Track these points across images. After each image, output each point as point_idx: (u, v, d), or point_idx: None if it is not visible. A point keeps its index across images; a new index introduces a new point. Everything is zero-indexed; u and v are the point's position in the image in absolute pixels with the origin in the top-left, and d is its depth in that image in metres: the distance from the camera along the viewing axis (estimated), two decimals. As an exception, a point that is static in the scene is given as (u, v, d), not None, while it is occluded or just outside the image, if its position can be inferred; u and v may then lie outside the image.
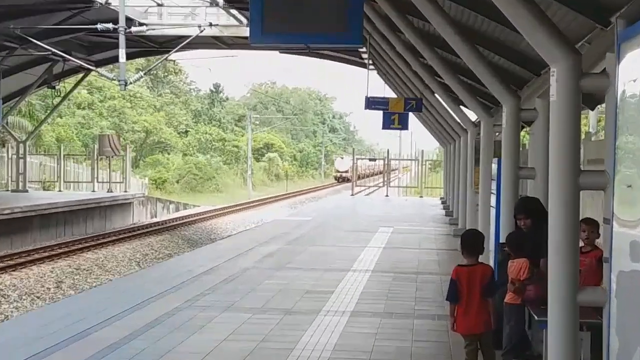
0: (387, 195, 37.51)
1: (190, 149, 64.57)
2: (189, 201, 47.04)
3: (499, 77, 8.89)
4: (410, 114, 23.18)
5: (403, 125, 22.44)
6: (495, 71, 9.13)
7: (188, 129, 70.13)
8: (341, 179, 45.51)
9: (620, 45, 4.33)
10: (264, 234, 18.64)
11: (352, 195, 38.69)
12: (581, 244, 6.17)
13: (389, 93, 30.17)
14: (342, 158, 40.05)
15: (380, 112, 21.89)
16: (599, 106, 13.80)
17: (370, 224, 21.64)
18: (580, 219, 5.46)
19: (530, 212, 6.77)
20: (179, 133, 68.62)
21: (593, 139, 14.29)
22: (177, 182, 55.79)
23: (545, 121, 7.26)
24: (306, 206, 43.63)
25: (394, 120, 21.99)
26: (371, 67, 26.03)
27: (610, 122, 4.60)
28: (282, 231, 19.37)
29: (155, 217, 37.96)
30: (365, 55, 23.53)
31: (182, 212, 40.12)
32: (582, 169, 4.94)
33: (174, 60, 53.96)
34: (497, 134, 13.32)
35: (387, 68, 23.84)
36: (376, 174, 63.45)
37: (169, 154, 62.72)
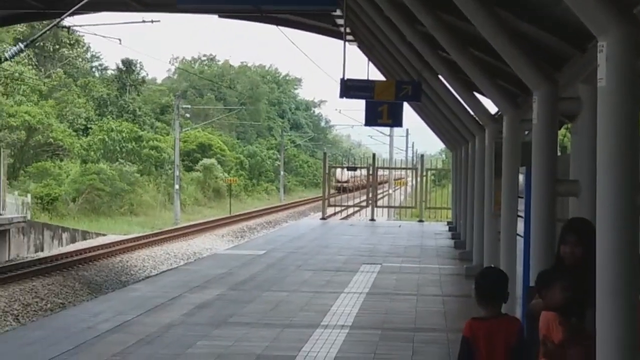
0: (372, 219, 37.58)
1: (92, 153, 64.14)
2: (90, 228, 46.68)
3: (528, 53, 8.96)
4: (405, 105, 23.27)
5: (395, 120, 22.51)
6: (523, 44, 9.20)
7: (89, 125, 69.73)
8: (342, 189, 56.43)
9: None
10: (197, 275, 18.54)
11: (323, 218, 38.71)
12: None
13: (375, 74, 30.29)
14: (341, 169, 50.53)
15: (363, 102, 21.95)
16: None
17: (348, 261, 21.65)
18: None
19: (584, 233, 6.56)
20: (75, 131, 68.16)
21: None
22: (74, 200, 55.37)
23: (593, 115, 7.32)
24: (258, 235, 43.57)
25: (382, 113, 22.06)
26: (350, 38, 26.10)
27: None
28: (224, 271, 19.28)
29: (42, 250, 37.57)
30: (341, 22, 23.59)
31: (81, 244, 39.78)
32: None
33: (69, 28, 53.60)
34: (526, 132, 13.42)
35: (372, 39, 23.93)
36: (358, 189, 63.69)
37: (61, 160, 62.25)
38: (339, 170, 57.20)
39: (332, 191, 58.53)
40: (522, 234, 9.63)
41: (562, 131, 20.35)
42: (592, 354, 5.12)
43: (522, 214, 9.79)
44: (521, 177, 10.11)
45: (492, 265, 11.50)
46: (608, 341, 4.84)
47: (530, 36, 12.85)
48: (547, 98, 8.68)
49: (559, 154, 10.65)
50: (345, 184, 61.07)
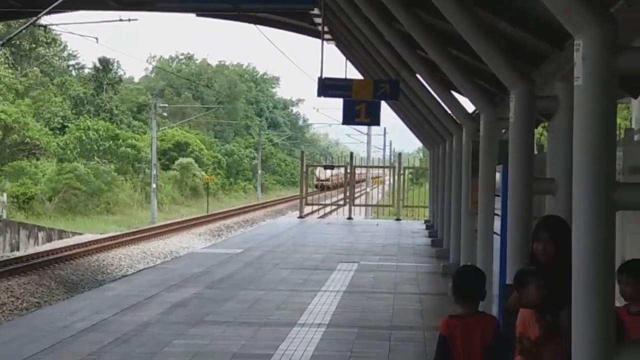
0: (350, 218, 37.59)
1: (69, 152, 63.86)
2: (66, 227, 46.48)
3: (505, 52, 8.98)
4: (383, 104, 23.29)
5: (372, 118, 22.54)
6: (501, 43, 9.22)
7: (66, 124, 69.44)
8: (322, 187, 60.47)
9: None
10: (173, 274, 18.51)
11: (300, 217, 38.70)
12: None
13: (353, 73, 30.31)
14: (323, 168, 53.30)
15: (341, 101, 21.95)
16: (643, 93, 14.02)
17: (325, 259, 21.66)
18: (622, 256, 5.49)
19: (558, 231, 6.67)
20: (52, 130, 67.86)
21: (636, 138, 14.50)
22: (50, 199, 55.13)
23: (570, 114, 7.35)
24: (235, 234, 43.51)
25: (360, 111, 22.09)
26: (328, 36, 26.10)
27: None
28: (201, 269, 19.25)
29: (18, 249, 37.38)
30: (319, 21, 23.60)
31: (57, 243, 39.59)
32: (620, 180, 4.99)
33: (46, 26, 53.42)
34: (503, 131, 13.46)
35: (350, 38, 23.94)
36: (337, 187, 64.01)
37: (38, 159, 61.95)
38: (320, 169, 59.41)
39: (314, 189, 61.70)
40: (498, 232, 9.65)
41: (539, 130, 20.41)
42: (566, 351, 5.13)
43: (498, 212, 9.81)
44: (498, 176, 10.13)
45: (469, 264, 11.53)
46: (583, 340, 4.85)
47: (508, 35, 12.89)
48: (524, 97, 8.69)
49: (536, 152, 10.68)
50: (325, 182, 63.97)
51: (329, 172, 63.24)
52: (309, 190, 44.77)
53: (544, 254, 6.60)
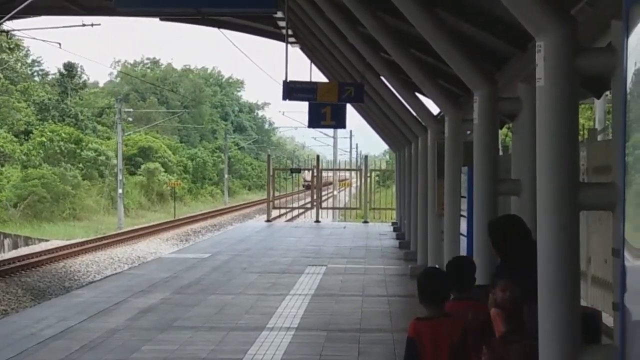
0: (317, 221, 37.62)
1: (33, 158, 63.45)
2: (32, 234, 46.21)
3: (468, 54, 9.02)
4: (349, 106, 23.34)
5: (338, 121, 22.57)
6: (464, 45, 9.27)
7: (30, 129, 69.03)
8: (307, 187, 64.85)
9: (630, 8, 4.41)
10: (141, 280, 18.45)
11: (268, 221, 38.69)
12: None
13: (318, 76, 30.36)
14: (308, 171, 53.50)
15: (306, 104, 21.98)
16: (606, 93, 14.16)
17: (293, 262, 21.65)
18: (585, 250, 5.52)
19: (490, 229, 7.02)
20: (16, 135, 67.43)
21: (600, 138, 14.62)
22: (15, 206, 54.78)
23: (533, 115, 7.39)
24: (203, 238, 43.40)
25: (325, 114, 22.11)
26: (292, 40, 26.13)
27: (617, 115, 4.69)
28: (168, 275, 19.20)
29: (-17, 257, 37.16)
30: (282, 24, 23.61)
31: (23, 250, 39.35)
32: (584, 180, 5.03)
33: (8, 32, 53.00)
34: (467, 132, 13.53)
35: (314, 41, 23.97)
36: (306, 189, 64.56)
37: (2, 166, 61.57)
38: (306, 172, 62.00)
39: (301, 188, 67.03)
40: (465, 233, 9.70)
41: (503, 131, 20.52)
42: (533, 350, 5.16)
43: (465, 213, 9.86)
44: (464, 177, 10.17)
45: (436, 266, 11.58)
46: (549, 339, 4.89)
47: (471, 37, 12.97)
48: (487, 98, 8.75)
49: (501, 153, 10.74)
50: (310, 183, 66.72)
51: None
52: (277, 193, 44.92)
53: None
